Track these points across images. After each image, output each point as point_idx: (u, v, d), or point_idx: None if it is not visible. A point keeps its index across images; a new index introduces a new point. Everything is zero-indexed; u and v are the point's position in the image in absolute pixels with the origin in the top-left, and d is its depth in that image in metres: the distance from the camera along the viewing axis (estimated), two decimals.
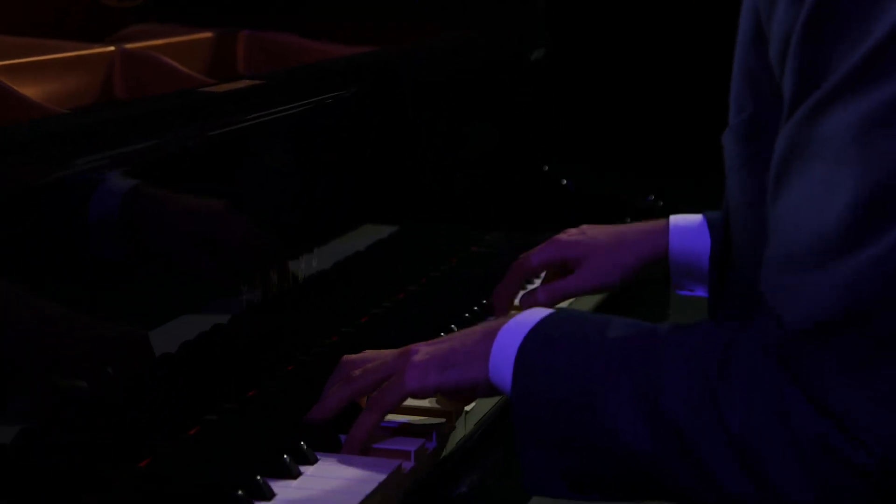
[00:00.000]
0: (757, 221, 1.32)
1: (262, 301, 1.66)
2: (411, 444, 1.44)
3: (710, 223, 1.73)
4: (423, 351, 1.43)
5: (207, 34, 2.33)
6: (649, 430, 1.25)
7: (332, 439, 1.44)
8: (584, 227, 1.82)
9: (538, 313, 1.36)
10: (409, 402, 1.45)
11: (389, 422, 1.47)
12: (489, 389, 1.39)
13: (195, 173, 1.54)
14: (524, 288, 1.87)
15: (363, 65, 2.00)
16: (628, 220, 2.32)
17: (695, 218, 1.76)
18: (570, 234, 1.80)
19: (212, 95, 1.60)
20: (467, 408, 1.55)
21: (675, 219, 1.76)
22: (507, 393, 1.35)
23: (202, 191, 1.55)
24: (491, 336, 1.37)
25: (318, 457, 1.40)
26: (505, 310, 1.81)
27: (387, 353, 1.46)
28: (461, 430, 1.53)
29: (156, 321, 1.46)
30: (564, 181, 2.36)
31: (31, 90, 1.89)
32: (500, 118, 2.38)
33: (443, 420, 1.50)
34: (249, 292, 1.64)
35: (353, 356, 1.49)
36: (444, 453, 1.49)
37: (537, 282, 1.89)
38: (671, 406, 1.25)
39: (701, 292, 1.75)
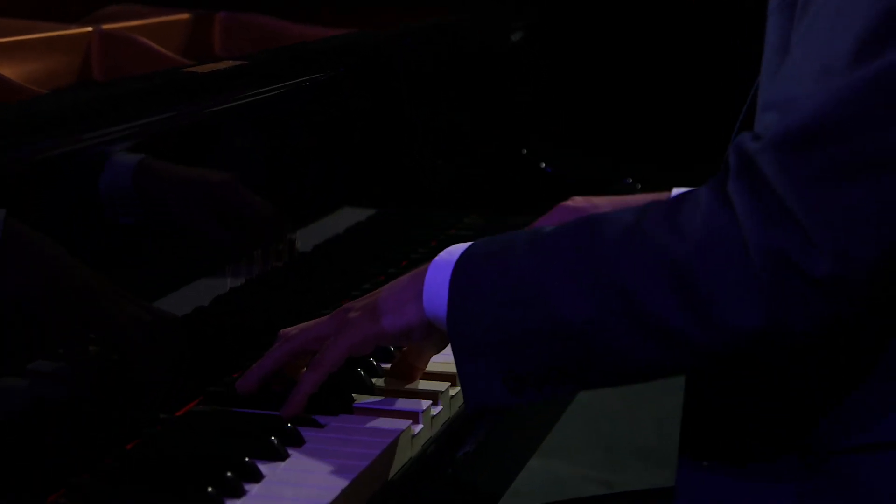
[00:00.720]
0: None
1: (244, 284, 1.66)
2: (418, 406, 1.47)
3: None
4: (355, 307, 1.44)
5: (184, 16, 2.32)
6: (591, 295, 1.28)
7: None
8: (591, 197, 1.84)
9: (460, 246, 1.39)
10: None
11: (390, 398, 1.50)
12: (425, 328, 1.41)
13: (175, 155, 1.53)
14: None
15: (342, 48, 1.99)
16: None
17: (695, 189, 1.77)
18: (576, 202, 1.83)
19: (192, 76, 1.59)
20: None
21: (678, 191, 1.74)
22: (442, 322, 1.36)
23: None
24: (420, 277, 1.40)
25: (324, 421, 1.43)
26: None
27: (322, 318, 1.48)
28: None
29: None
30: (543, 164, 2.36)
31: (7, 71, 1.88)
32: (479, 101, 2.37)
33: (447, 384, 1.53)
34: (232, 274, 1.64)
35: (290, 328, 1.50)
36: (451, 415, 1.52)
37: None
38: (612, 262, 1.28)
39: None
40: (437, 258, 1.39)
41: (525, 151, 2.37)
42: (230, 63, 1.66)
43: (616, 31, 5.96)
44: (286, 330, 1.50)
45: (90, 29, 2.08)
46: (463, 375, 1.35)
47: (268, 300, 1.73)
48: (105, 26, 2.10)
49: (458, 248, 1.38)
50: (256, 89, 1.64)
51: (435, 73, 2.22)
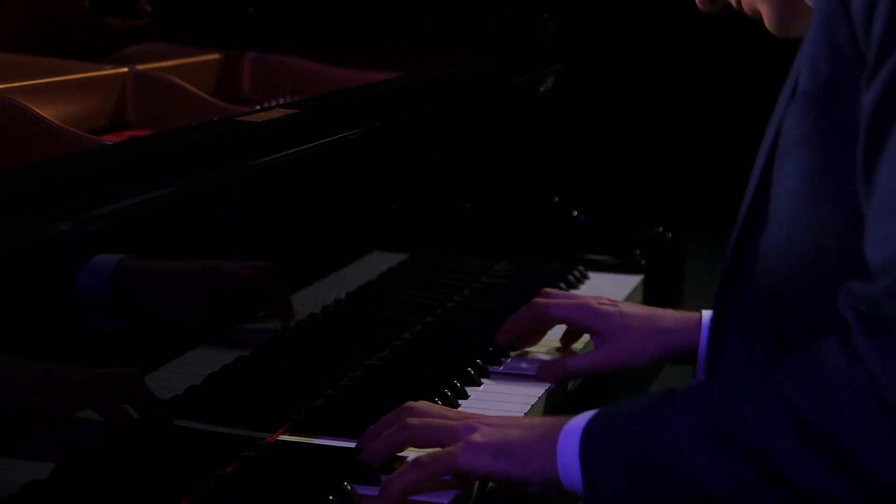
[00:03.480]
0: (817, 203, 1.33)
1: (280, 334, 1.65)
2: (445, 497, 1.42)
3: None
4: (483, 431, 1.40)
5: (213, 56, 2.31)
6: (725, 466, 1.25)
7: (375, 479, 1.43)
8: (619, 302, 1.76)
9: (588, 414, 1.36)
10: None
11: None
12: (543, 487, 1.37)
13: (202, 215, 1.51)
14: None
15: (379, 97, 1.97)
16: (637, 252, 2.31)
17: None
18: (603, 304, 1.75)
19: (251, 125, 1.57)
20: None
21: (708, 314, 1.67)
22: (577, 489, 1.34)
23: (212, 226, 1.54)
24: (552, 438, 1.36)
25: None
26: (510, 338, 1.81)
27: (449, 415, 1.46)
28: None
29: (171, 355, 1.44)
30: (575, 212, 2.35)
31: (46, 112, 1.86)
32: (510, 148, 2.36)
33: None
34: (268, 325, 1.63)
35: (416, 405, 1.48)
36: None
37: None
38: (741, 429, 1.25)
39: None
40: (568, 425, 1.35)
41: (556, 199, 2.36)
42: (282, 112, 1.64)
43: (642, 78, 5.96)
44: (411, 404, 1.48)
45: (125, 69, 2.06)
46: None
47: (310, 349, 1.71)
48: (139, 67, 2.09)
49: (582, 416, 1.36)
50: (313, 142, 1.62)
51: (467, 119, 2.21)
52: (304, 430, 1.57)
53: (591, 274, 2.24)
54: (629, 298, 2.17)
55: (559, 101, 2.42)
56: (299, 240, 1.72)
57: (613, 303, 1.75)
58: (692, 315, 1.70)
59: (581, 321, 1.75)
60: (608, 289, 2.16)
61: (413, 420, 1.44)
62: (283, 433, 1.56)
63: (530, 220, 2.35)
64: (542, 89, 2.39)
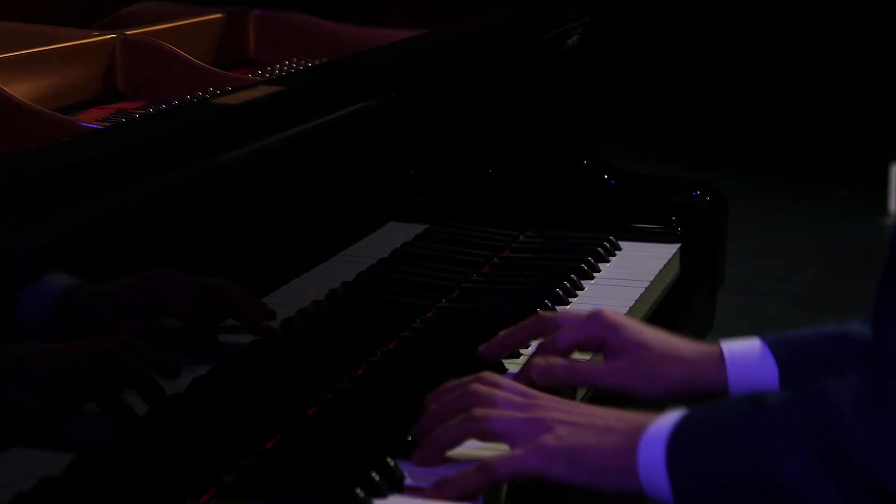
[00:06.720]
0: None
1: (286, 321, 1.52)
2: None
3: (774, 348, 1.48)
4: (557, 433, 1.30)
5: (215, 15, 2.17)
6: (830, 480, 1.18)
7: None
8: (635, 320, 1.55)
9: (668, 418, 1.27)
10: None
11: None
12: (623, 496, 1.28)
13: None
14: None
15: (390, 65, 1.81)
16: (673, 218, 2.15)
17: (752, 344, 1.49)
18: (618, 317, 1.53)
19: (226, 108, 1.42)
20: None
21: (731, 348, 1.49)
22: (664, 499, 1.26)
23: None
24: (631, 447, 1.27)
25: None
26: (497, 357, 1.60)
27: (516, 402, 1.34)
28: None
29: None
30: (605, 176, 2.18)
31: (25, 86, 1.73)
32: (535, 110, 2.20)
33: None
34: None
35: (480, 389, 1.37)
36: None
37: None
38: (850, 442, 1.17)
39: None
40: (650, 431, 1.27)
41: (586, 162, 2.19)
42: (267, 89, 1.49)
43: (683, 29, 5.78)
44: (476, 387, 1.37)
45: (114, 35, 1.92)
46: None
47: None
48: (130, 32, 1.95)
49: (665, 420, 1.28)
50: (298, 126, 1.48)
51: (487, 82, 2.06)
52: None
53: (622, 244, 2.08)
54: (665, 270, 2.01)
55: (588, 56, 2.25)
56: (302, 222, 1.60)
57: (629, 318, 1.55)
58: (711, 349, 1.50)
59: (595, 334, 1.52)
60: (641, 259, 2.02)
61: (478, 412, 1.34)
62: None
63: (557, 185, 2.19)
64: (569, 44, 2.23)
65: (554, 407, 1.34)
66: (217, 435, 1.38)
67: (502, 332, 1.59)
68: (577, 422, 1.31)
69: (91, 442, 1.25)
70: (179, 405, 1.35)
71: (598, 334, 1.51)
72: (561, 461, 1.28)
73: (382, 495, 1.29)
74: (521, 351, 1.64)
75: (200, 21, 2.13)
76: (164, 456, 1.31)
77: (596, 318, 1.52)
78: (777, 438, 1.21)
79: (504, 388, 1.37)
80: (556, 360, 1.50)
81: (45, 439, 1.21)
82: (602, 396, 1.54)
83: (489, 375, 1.40)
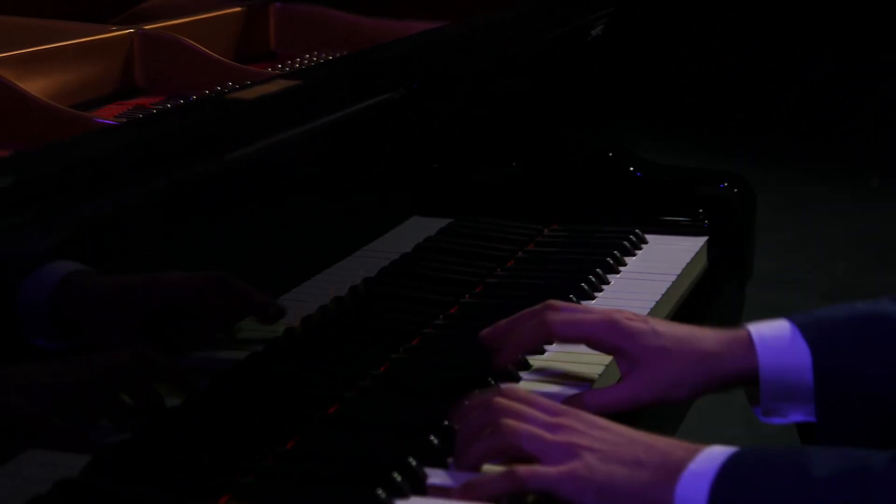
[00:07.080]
0: None
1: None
2: None
3: (805, 330, 1.43)
4: (586, 461, 1.27)
5: (235, 9, 2.15)
6: None
7: None
8: (649, 318, 1.48)
9: (715, 457, 1.25)
10: None
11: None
12: None
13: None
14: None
15: (411, 58, 1.79)
16: (700, 211, 2.11)
17: (781, 326, 1.44)
18: (632, 320, 1.47)
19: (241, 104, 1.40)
20: None
21: (759, 330, 1.44)
22: None
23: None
24: (669, 483, 1.24)
25: None
26: (505, 368, 1.54)
27: (541, 419, 1.31)
28: None
29: None
30: (631, 168, 2.15)
31: (42, 82, 1.71)
32: (559, 99, 2.17)
33: None
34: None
35: (503, 403, 1.33)
36: None
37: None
38: None
39: (796, 417, 1.45)
40: (690, 468, 1.25)
41: (611, 154, 2.16)
42: (284, 83, 1.46)
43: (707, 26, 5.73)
44: (499, 401, 1.33)
45: (132, 30, 1.90)
46: None
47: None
48: (147, 26, 1.93)
49: (708, 457, 1.25)
50: (317, 120, 1.45)
51: (513, 70, 2.03)
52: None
53: (649, 237, 2.05)
54: (692, 263, 1.98)
55: (612, 47, 2.22)
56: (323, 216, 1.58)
57: (643, 319, 1.48)
58: (737, 334, 1.44)
59: (607, 340, 1.46)
60: (668, 253, 1.99)
61: (507, 422, 1.30)
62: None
63: (582, 178, 2.16)
64: (594, 34, 2.20)
65: (581, 431, 1.29)
66: (235, 436, 1.35)
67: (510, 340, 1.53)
68: (605, 450, 1.27)
69: (108, 444, 1.23)
70: (196, 406, 1.32)
71: (613, 342, 1.45)
72: (590, 493, 1.25)
73: (405, 496, 1.27)
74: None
75: (220, 15, 2.11)
76: (182, 458, 1.29)
77: (610, 323, 1.46)
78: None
79: (528, 402, 1.33)
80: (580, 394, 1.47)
81: (62, 442, 1.20)
82: None
83: (511, 389, 1.37)
